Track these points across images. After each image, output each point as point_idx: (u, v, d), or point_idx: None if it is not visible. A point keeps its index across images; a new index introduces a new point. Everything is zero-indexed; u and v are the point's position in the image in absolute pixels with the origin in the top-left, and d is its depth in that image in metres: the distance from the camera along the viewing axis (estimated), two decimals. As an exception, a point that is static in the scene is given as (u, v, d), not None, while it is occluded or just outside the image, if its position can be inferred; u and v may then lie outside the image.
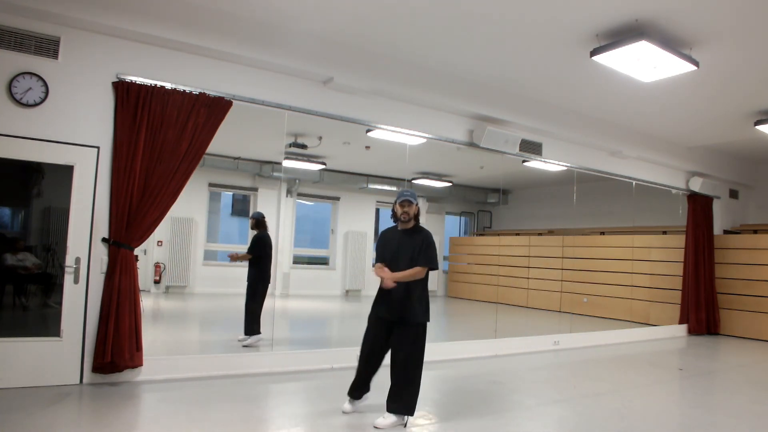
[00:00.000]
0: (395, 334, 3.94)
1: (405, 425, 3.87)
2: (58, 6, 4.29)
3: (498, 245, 13.61)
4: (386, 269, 3.92)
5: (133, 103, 4.62)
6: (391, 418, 3.86)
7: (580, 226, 12.09)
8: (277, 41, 5.25)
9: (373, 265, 4.08)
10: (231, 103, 5.09)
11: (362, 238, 13.62)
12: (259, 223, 6.91)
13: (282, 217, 11.96)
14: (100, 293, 4.56)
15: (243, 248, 7.23)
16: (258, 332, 6.54)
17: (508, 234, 14.06)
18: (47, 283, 4.94)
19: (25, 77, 4.34)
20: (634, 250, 11.00)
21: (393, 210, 4.06)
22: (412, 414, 3.91)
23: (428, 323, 4.04)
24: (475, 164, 10.82)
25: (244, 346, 6.40)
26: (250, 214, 7.84)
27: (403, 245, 3.96)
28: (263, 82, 5.36)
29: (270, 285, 6.81)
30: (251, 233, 7.05)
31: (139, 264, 5.03)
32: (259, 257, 6.70)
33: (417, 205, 4.01)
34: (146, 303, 9.06)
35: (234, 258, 7.05)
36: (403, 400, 3.87)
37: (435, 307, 12.57)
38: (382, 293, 4.01)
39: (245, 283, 6.73)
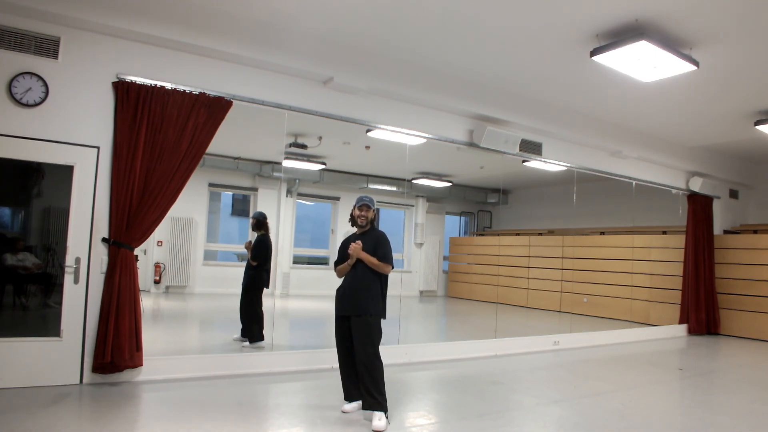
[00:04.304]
0: (351, 328, 4.07)
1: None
2: (58, 6, 4.29)
3: (498, 245, 13.61)
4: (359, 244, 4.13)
5: (133, 103, 4.62)
6: (378, 416, 3.87)
7: (580, 226, 12.09)
8: (277, 41, 5.24)
9: (335, 268, 4.34)
10: (231, 103, 5.09)
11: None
12: (261, 224, 6.66)
13: (282, 217, 11.96)
14: (100, 293, 4.56)
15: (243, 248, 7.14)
16: (261, 338, 6.39)
17: (508, 234, 14.05)
18: (47, 283, 4.94)
19: (25, 77, 4.34)
20: (634, 250, 11.00)
21: (351, 214, 4.30)
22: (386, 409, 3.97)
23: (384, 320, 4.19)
24: (475, 164, 10.82)
25: (244, 346, 6.37)
26: (251, 214, 7.67)
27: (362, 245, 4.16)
28: (263, 82, 5.36)
29: (269, 285, 6.68)
30: (251, 234, 6.91)
31: (139, 264, 5.04)
32: (262, 261, 6.55)
33: (374, 210, 4.29)
34: (146, 303, 9.08)
35: (247, 249, 6.67)
36: (374, 398, 3.92)
37: (435, 307, 12.77)
38: (340, 290, 4.22)
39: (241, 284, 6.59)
